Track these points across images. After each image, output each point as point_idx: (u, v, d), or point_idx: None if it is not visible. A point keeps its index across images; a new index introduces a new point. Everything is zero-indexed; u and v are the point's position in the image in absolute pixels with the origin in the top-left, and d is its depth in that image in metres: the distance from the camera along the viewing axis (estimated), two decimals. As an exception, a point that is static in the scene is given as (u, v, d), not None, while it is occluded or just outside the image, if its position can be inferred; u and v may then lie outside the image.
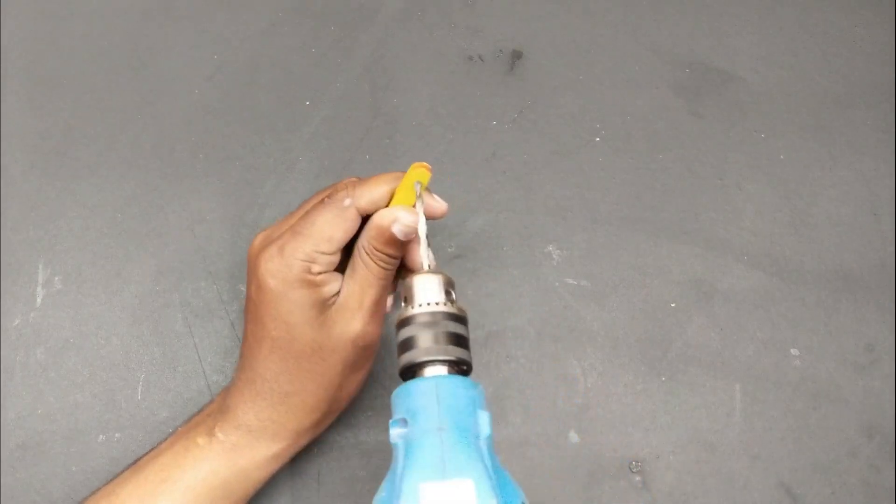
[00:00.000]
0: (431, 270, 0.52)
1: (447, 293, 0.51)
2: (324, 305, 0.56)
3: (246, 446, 0.56)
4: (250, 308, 0.57)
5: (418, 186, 0.57)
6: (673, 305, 0.71)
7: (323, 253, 0.54)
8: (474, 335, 0.70)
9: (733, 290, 0.72)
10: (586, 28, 0.82)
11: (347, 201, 0.54)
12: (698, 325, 0.70)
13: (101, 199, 0.73)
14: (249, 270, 0.58)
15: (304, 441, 0.59)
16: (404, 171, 0.57)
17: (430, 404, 0.46)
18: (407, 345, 0.49)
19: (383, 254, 0.56)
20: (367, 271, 0.56)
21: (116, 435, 0.63)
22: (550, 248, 0.72)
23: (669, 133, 0.78)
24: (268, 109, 0.77)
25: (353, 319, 0.56)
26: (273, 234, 0.58)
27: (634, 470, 0.64)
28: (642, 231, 0.73)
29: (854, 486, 0.66)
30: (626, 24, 0.83)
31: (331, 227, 0.54)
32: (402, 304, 0.51)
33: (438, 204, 0.58)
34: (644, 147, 0.78)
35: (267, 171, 0.72)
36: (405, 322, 0.49)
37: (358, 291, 0.56)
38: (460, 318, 0.50)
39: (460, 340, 0.49)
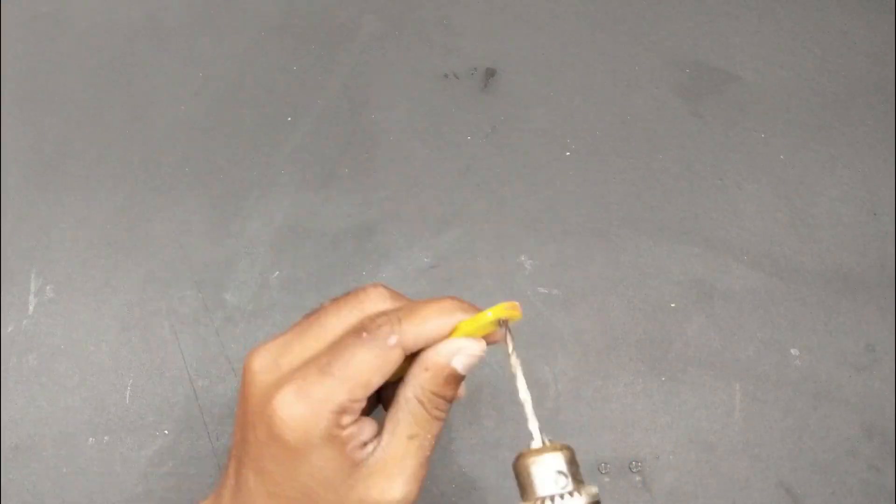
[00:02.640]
0: (548, 448, 0.43)
1: (572, 474, 0.42)
2: (351, 464, 0.46)
3: None
4: (253, 454, 0.47)
5: (505, 329, 0.47)
6: (673, 306, 0.71)
7: (357, 401, 0.45)
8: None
9: (733, 291, 0.71)
10: (557, 46, 0.82)
11: (393, 339, 0.44)
12: (698, 326, 0.70)
13: (91, 211, 0.72)
14: (251, 405, 0.47)
15: None
16: (454, 298, 0.47)
17: None
18: None
19: (441, 398, 0.46)
20: (417, 425, 0.47)
21: (105, 438, 0.64)
22: (523, 258, 0.72)
23: (670, 133, 0.78)
24: (251, 125, 0.77)
25: (392, 486, 0.46)
26: (282, 358, 0.48)
27: (634, 470, 0.64)
28: (642, 232, 0.73)
29: (854, 486, 0.66)
30: (594, 44, 0.82)
31: (370, 371, 0.44)
32: (521, 494, 0.43)
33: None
34: (645, 148, 0.77)
35: (250, 184, 0.72)
36: None
37: (402, 451, 0.47)
38: None
39: None
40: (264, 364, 0.47)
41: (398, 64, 0.81)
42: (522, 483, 0.42)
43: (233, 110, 0.77)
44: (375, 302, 0.48)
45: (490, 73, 0.80)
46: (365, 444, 0.46)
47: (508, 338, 0.47)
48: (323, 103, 0.78)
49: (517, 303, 0.46)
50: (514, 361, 0.46)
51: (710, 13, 0.83)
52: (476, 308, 0.46)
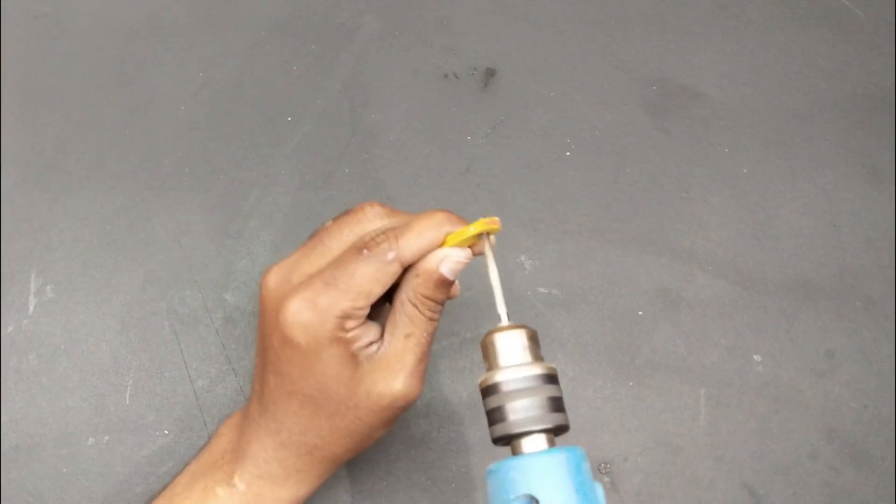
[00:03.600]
0: (512, 326, 0.47)
1: (533, 350, 0.46)
2: (356, 361, 0.51)
3: (269, 495, 0.53)
4: (272, 358, 0.52)
5: (487, 239, 0.51)
6: (640, 313, 0.71)
7: (359, 308, 0.49)
8: (449, 342, 0.70)
9: (698, 299, 0.72)
10: (557, 47, 0.82)
11: (391, 255, 0.49)
12: (665, 333, 0.71)
13: (91, 211, 0.72)
14: (267, 316, 0.53)
15: (326, 478, 0.56)
16: (445, 211, 0.52)
17: (561, 482, 0.43)
18: (500, 414, 0.44)
19: (432, 301, 0.51)
20: (413, 325, 0.51)
21: (105, 438, 0.64)
22: (523, 258, 0.72)
23: (637, 148, 0.78)
24: (251, 125, 0.76)
25: (394, 379, 0.51)
26: (292, 274, 0.52)
27: (604, 471, 0.65)
28: (611, 242, 0.73)
29: (814, 486, 0.67)
30: (595, 44, 0.82)
31: (370, 282, 0.49)
32: (485, 366, 0.47)
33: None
34: (612, 161, 0.77)
35: (250, 184, 0.72)
36: (493, 389, 0.45)
37: (401, 348, 0.51)
38: (552, 378, 0.45)
39: (556, 404, 0.45)
40: (277, 280, 0.52)
41: (398, 64, 0.81)
42: (488, 356, 0.46)
43: (233, 110, 0.77)
44: (373, 220, 0.52)
45: (490, 73, 0.80)
46: (369, 344, 0.51)
47: (487, 245, 0.51)
48: (323, 103, 0.78)
49: (497, 217, 0.50)
50: (490, 262, 0.50)
51: (675, 32, 0.83)
52: (464, 221, 0.51)
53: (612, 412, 0.68)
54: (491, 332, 0.46)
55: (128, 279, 0.68)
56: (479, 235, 0.51)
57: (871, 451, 0.68)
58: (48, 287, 0.70)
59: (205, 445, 0.58)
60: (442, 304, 0.52)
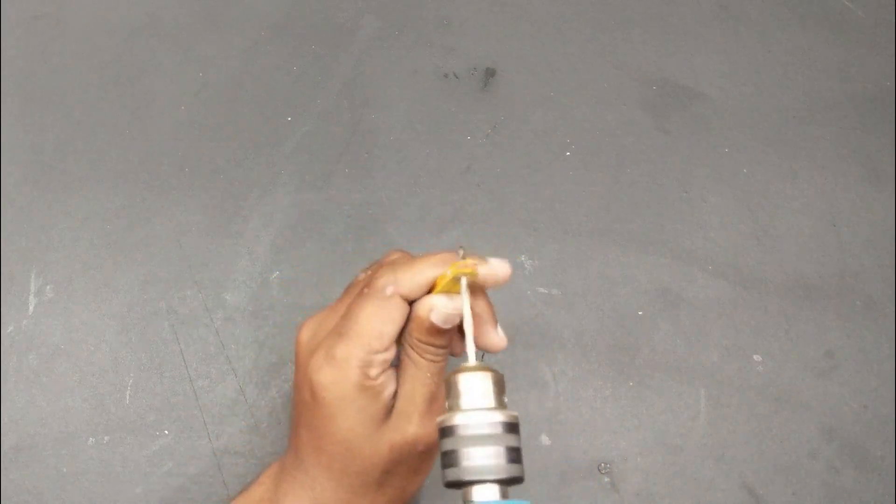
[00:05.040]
0: (479, 367, 0.45)
1: (497, 395, 0.44)
2: (385, 413, 0.50)
3: None
4: (303, 412, 0.52)
5: (464, 281, 0.50)
6: (640, 313, 0.71)
7: (376, 352, 0.49)
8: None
9: (698, 299, 0.72)
10: (557, 47, 0.83)
11: (390, 289, 0.49)
12: (665, 333, 0.71)
13: (91, 211, 0.72)
14: (299, 371, 0.52)
15: None
16: (450, 251, 0.52)
17: None
18: (454, 458, 0.43)
19: (429, 345, 0.50)
20: (416, 368, 0.51)
21: (105, 438, 0.64)
22: (523, 258, 0.73)
23: (637, 148, 0.78)
24: (251, 125, 0.77)
25: (408, 424, 0.50)
26: (320, 328, 0.52)
27: (603, 471, 0.65)
28: (611, 242, 0.73)
29: (814, 486, 0.66)
30: (595, 44, 0.83)
31: (378, 322, 0.49)
32: (446, 405, 0.45)
33: (501, 269, 0.51)
34: (612, 161, 0.77)
35: (250, 184, 0.72)
36: (450, 431, 0.43)
37: (409, 391, 0.51)
38: (513, 427, 0.44)
39: (514, 455, 0.43)
40: (307, 335, 0.52)
41: (398, 64, 0.81)
42: (450, 394, 0.44)
43: (233, 110, 0.77)
44: (384, 269, 0.51)
45: (490, 73, 0.80)
46: (395, 394, 0.50)
47: (463, 287, 0.49)
48: (323, 103, 0.78)
49: (475, 261, 0.49)
50: (465, 303, 0.48)
51: (675, 32, 0.84)
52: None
53: (611, 412, 0.68)
54: (456, 371, 0.45)
55: (128, 279, 0.68)
56: (455, 279, 0.50)
57: (871, 450, 0.68)
58: (48, 287, 0.70)
59: (244, 490, 0.57)
60: (442, 347, 0.51)
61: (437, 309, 0.49)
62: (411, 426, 0.50)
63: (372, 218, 0.71)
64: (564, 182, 0.76)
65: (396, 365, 0.52)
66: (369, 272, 0.53)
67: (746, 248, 0.74)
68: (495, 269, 0.50)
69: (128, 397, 0.65)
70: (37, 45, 0.81)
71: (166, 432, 0.64)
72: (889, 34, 0.84)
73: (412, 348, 0.51)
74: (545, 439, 0.66)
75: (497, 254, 0.69)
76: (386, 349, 0.49)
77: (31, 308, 0.69)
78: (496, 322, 0.53)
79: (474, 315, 0.51)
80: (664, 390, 0.69)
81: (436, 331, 0.49)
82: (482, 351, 0.54)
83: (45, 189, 0.74)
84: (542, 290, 0.71)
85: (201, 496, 0.65)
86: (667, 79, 0.82)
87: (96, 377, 0.65)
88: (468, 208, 0.75)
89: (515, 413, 0.44)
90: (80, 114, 0.77)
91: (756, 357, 0.70)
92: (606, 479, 0.65)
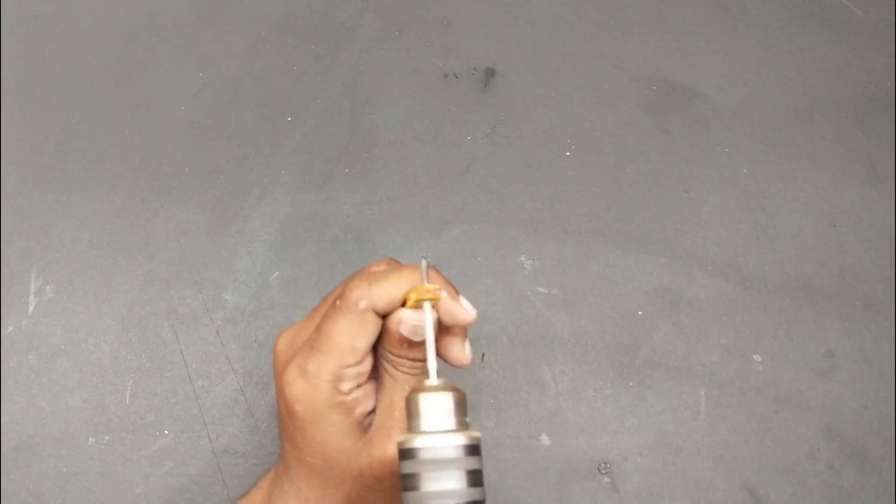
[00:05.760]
0: (440, 386, 0.45)
1: (458, 415, 0.44)
2: (361, 429, 0.50)
3: None
4: (284, 426, 0.52)
5: (427, 306, 0.49)
6: (640, 313, 0.71)
7: (348, 366, 0.48)
8: (450, 341, 0.70)
9: (698, 299, 0.72)
10: (557, 47, 0.82)
11: (363, 304, 0.48)
12: (665, 333, 0.71)
13: (91, 211, 0.72)
14: (277, 384, 0.52)
15: None
16: (419, 266, 0.51)
17: None
18: (414, 482, 0.42)
19: (403, 358, 0.50)
20: (393, 381, 0.50)
21: (105, 438, 0.64)
22: (522, 258, 0.73)
23: (637, 148, 0.78)
24: (251, 125, 0.77)
25: (389, 439, 0.49)
26: (296, 339, 0.52)
27: (603, 471, 0.65)
28: (611, 242, 0.73)
29: (814, 486, 0.67)
30: (595, 44, 0.83)
31: (350, 337, 0.48)
32: (407, 424, 0.45)
33: (465, 313, 0.51)
34: (612, 161, 0.77)
35: (250, 184, 0.72)
36: (410, 454, 0.42)
37: (388, 405, 0.50)
38: (474, 449, 0.43)
39: (475, 478, 0.42)
40: (283, 346, 0.52)
41: (398, 64, 0.81)
42: (410, 415, 0.44)
43: (233, 110, 0.77)
44: (357, 283, 0.51)
45: (490, 73, 0.80)
46: (373, 409, 0.50)
47: (427, 307, 0.48)
48: (323, 103, 0.78)
49: (438, 287, 0.49)
50: (428, 321, 0.48)
51: (675, 32, 0.84)
52: (442, 275, 0.51)
53: (611, 412, 0.68)
54: (416, 390, 0.44)
55: (128, 279, 0.69)
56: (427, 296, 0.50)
57: (871, 451, 0.68)
58: (48, 287, 0.70)
59: (246, 493, 0.57)
60: (417, 360, 0.50)
61: (405, 322, 0.48)
62: (390, 445, 0.49)
63: (372, 218, 0.71)
64: (564, 182, 0.76)
65: (375, 379, 0.52)
66: (345, 281, 0.52)
67: (746, 248, 0.74)
68: (456, 310, 0.50)
69: (128, 397, 0.66)
70: (37, 46, 0.81)
71: (166, 432, 0.64)
72: (889, 34, 0.84)
73: (388, 362, 0.50)
74: (545, 439, 0.66)
75: (497, 254, 0.74)
76: (358, 363, 0.49)
77: (31, 308, 0.69)
78: (465, 337, 0.52)
79: (445, 329, 0.51)
80: (664, 390, 0.69)
81: (407, 343, 0.49)
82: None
83: (45, 189, 0.74)
84: (541, 290, 0.71)
85: (201, 496, 0.65)
86: (667, 79, 0.82)
87: (96, 377, 0.66)
88: (468, 208, 0.75)
89: (477, 434, 0.44)
90: (80, 114, 0.77)
91: (756, 357, 0.70)
92: (606, 480, 0.65)
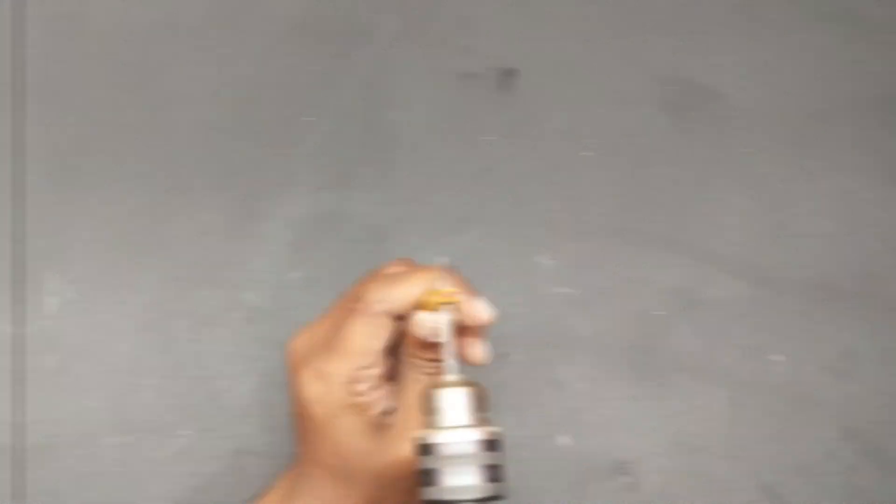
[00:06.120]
0: (460, 381, 0.45)
1: (477, 411, 0.44)
2: (378, 429, 0.51)
3: None
4: (299, 427, 0.53)
5: (444, 309, 0.51)
6: (659, 313, 0.72)
7: (363, 368, 0.50)
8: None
9: (717, 299, 0.73)
10: (576, 47, 0.81)
11: (379, 307, 0.50)
12: (683, 333, 0.71)
13: (111, 211, 0.72)
14: (292, 386, 0.53)
15: None
16: (439, 269, 0.52)
17: None
18: (433, 477, 0.42)
19: (424, 359, 0.51)
20: (414, 383, 0.51)
21: (125, 438, 0.65)
22: (542, 257, 0.73)
23: (656, 148, 0.78)
24: (270, 124, 0.76)
25: (404, 442, 0.49)
26: (311, 341, 0.53)
27: (623, 471, 0.66)
28: (630, 242, 0.74)
29: (833, 486, 0.68)
30: (614, 44, 0.82)
31: (367, 339, 0.50)
32: (425, 419, 0.45)
33: (481, 314, 0.51)
34: (631, 161, 0.77)
35: (269, 185, 0.72)
36: (430, 449, 0.42)
37: (408, 406, 0.51)
38: (493, 444, 0.43)
39: (494, 473, 0.42)
40: (297, 348, 0.53)
41: (417, 63, 0.80)
42: (429, 410, 0.44)
43: (252, 110, 0.77)
44: (374, 286, 0.52)
45: (508, 73, 0.80)
46: (390, 411, 0.51)
47: (445, 313, 0.49)
48: (341, 103, 0.78)
49: (455, 290, 0.51)
50: (446, 327, 0.49)
51: (694, 33, 0.82)
52: (458, 277, 0.53)
53: (631, 412, 0.69)
54: (436, 385, 0.45)
55: (147, 279, 0.69)
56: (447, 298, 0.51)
57: (890, 450, 0.69)
58: (68, 288, 0.71)
59: (264, 495, 0.57)
60: (436, 360, 0.51)
61: (424, 324, 0.49)
62: (405, 445, 0.49)
63: (391, 217, 0.71)
64: (583, 182, 0.76)
65: (394, 380, 0.53)
66: (361, 280, 0.54)
67: (765, 249, 0.75)
68: (473, 311, 0.51)
69: (148, 397, 0.66)
70: (57, 45, 0.80)
71: (186, 432, 0.65)
72: None
73: (410, 364, 0.51)
74: (564, 439, 0.67)
75: (516, 254, 0.74)
76: (373, 365, 0.50)
77: (51, 308, 0.70)
78: (482, 336, 0.54)
79: (463, 328, 0.52)
80: (683, 390, 0.70)
81: (426, 345, 0.50)
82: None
83: (65, 189, 0.74)
84: (560, 289, 0.72)
85: (221, 496, 0.66)
86: (685, 79, 0.81)
87: (116, 377, 0.67)
88: (487, 208, 0.75)
89: (497, 429, 0.44)
90: (99, 114, 0.77)
91: (775, 357, 0.71)
92: (626, 479, 0.66)
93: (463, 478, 0.42)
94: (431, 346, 0.50)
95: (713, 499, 0.67)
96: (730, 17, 0.83)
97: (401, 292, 0.51)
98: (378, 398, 0.51)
